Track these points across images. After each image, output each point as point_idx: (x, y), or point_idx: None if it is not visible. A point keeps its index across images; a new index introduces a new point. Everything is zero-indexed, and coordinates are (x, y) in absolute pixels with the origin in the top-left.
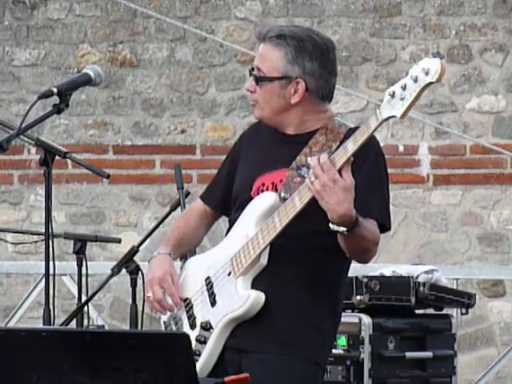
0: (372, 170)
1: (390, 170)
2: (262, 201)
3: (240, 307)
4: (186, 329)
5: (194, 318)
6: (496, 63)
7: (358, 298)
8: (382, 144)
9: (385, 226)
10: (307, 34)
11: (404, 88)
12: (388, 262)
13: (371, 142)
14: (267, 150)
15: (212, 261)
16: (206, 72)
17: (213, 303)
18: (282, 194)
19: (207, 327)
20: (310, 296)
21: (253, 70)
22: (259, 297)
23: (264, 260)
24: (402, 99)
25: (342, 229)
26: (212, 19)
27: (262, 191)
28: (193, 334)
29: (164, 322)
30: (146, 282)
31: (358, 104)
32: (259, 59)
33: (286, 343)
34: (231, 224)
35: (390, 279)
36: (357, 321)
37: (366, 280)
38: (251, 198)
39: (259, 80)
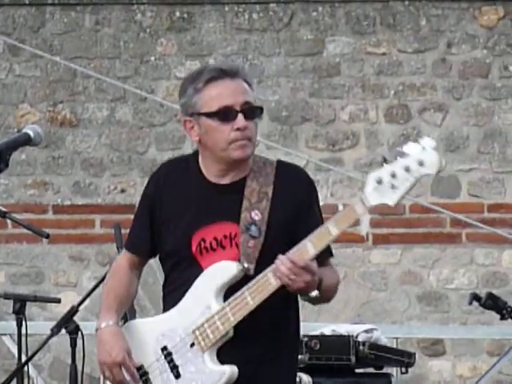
0: (315, 209)
1: None
2: (222, 271)
3: (215, 383)
4: None
5: None
6: (435, 123)
7: (299, 357)
8: (321, 203)
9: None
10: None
11: (394, 176)
12: (328, 321)
13: (303, 175)
14: (204, 200)
15: (165, 329)
16: (146, 131)
17: (177, 376)
18: (246, 265)
19: None
20: (279, 351)
21: (231, 108)
22: (234, 372)
23: (231, 332)
24: (394, 188)
25: (314, 294)
26: (152, 79)
27: (205, 248)
28: None
29: None
30: (102, 360)
31: (298, 163)
32: (242, 94)
33: None
34: (178, 286)
35: (330, 338)
36: (297, 380)
37: (306, 339)
38: (192, 256)
39: (255, 112)
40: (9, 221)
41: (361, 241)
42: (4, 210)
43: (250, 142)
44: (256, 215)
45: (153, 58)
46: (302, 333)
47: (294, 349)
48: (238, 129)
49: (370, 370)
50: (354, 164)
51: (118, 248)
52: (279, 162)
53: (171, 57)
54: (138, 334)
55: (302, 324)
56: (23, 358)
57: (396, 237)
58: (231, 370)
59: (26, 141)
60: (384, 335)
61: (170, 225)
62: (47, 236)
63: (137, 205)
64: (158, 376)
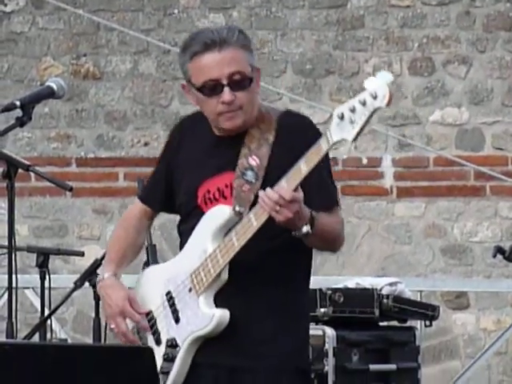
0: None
1: (353, 182)
2: (217, 215)
3: (205, 326)
4: (151, 344)
5: (159, 334)
6: (459, 75)
7: (322, 310)
8: (345, 156)
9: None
10: (238, 28)
11: (353, 111)
12: (352, 274)
13: (307, 124)
14: (208, 151)
15: (171, 274)
16: (169, 85)
17: (176, 320)
18: (237, 208)
19: (173, 345)
20: (276, 302)
21: (217, 82)
22: (224, 315)
23: (225, 275)
24: (352, 123)
25: (304, 229)
26: (175, 32)
27: (209, 199)
28: (158, 350)
29: None
30: (105, 315)
31: (322, 116)
32: (229, 65)
33: (264, 356)
34: (185, 234)
35: (354, 291)
36: (320, 333)
37: (329, 292)
38: (198, 206)
39: (244, 82)
40: (32, 174)
41: (385, 194)
42: (27, 163)
43: (241, 111)
44: (253, 160)
45: (176, 11)
46: (325, 286)
47: (299, 302)
48: (223, 102)
49: (394, 323)
50: (377, 117)
51: None
52: (285, 111)
53: (194, 9)
54: (150, 280)
55: (325, 277)
56: (46, 312)
57: (420, 190)
58: (221, 313)
59: (49, 94)
60: (408, 288)
61: (181, 178)
62: (70, 189)
63: None
64: (163, 320)
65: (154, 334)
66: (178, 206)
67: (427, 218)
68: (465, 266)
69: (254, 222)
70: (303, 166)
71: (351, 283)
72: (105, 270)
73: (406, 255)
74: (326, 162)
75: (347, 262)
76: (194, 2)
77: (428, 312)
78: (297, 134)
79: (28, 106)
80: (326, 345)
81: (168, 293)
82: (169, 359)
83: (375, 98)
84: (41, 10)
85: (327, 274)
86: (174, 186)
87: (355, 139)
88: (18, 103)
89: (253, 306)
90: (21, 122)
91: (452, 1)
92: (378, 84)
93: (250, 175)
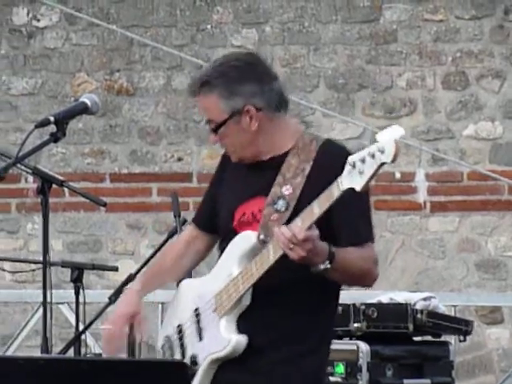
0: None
1: (386, 197)
2: (244, 240)
3: (221, 350)
4: (178, 356)
5: (185, 348)
6: (493, 90)
7: (356, 325)
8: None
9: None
10: (226, 66)
11: (363, 161)
12: (386, 289)
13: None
14: (246, 176)
15: (201, 291)
16: None
17: (200, 338)
18: (261, 237)
19: (194, 362)
20: (298, 328)
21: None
22: (240, 342)
23: (246, 301)
24: (361, 173)
25: (322, 266)
26: (208, 47)
27: (243, 222)
28: None
29: (162, 346)
30: (113, 316)
31: (355, 131)
32: (205, 112)
33: (282, 379)
34: (220, 254)
35: (388, 306)
36: (354, 348)
37: (363, 307)
38: (234, 229)
39: (215, 130)
40: (66, 189)
41: (418, 208)
42: (61, 178)
43: (233, 148)
44: (287, 190)
45: (209, 26)
46: (359, 301)
47: (322, 327)
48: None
49: (428, 338)
50: (411, 131)
51: (174, 216)
52: (326, 140)
53: (227, 25)
54: (184, 293)
55: (359, 292)
56: (81, 327)
57: (454, 204)
58: (238, 339)
59: (82, 110)
60: (442, 303)
61: (222, 201)
62: (104, 204)
63: (194, 173)
64: (190, 335)
65: (181, 346)
66: (218, 228)
67: (461, 233)
68: (499, 281)
69: (271, 255)
70: (315, 209)
71: (385, 298)
72: (134, 282)
73: (440, 270)
74: (357, 198)
75: (381, 277)
76: (227, 18)
77: (462, 327)
78: (331, 167)
79: (62, 121)
80: (360, 360)
81: (196, 309)
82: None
83: (383, 152)
84: (74, 25)
85: (361, 289)
86: (217, 209)
87: (363, 189)
88: (52, 119)
89: (274, 331)
90: (55, 138)
91: (485, 15)
92: (387, 139)
93: (280, 204)
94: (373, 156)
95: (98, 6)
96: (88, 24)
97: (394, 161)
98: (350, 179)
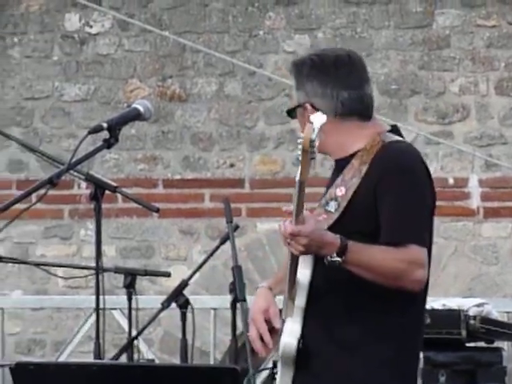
0: (391, 195)
1: (439, 203)
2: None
3: (277, 352)
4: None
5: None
6: None
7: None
8: (432, 176)
9: (423, 242)
10: (309, 57)
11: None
12: (438, 295)
13: (393, 158)
14: (332, 175)
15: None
16: (254, 106)
17: (278, 341)
18: None
19: (274, 365)
20: (356, 331)
21: None
22: (289, 344)
23: (300, 302)
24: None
25: (333, 258)
26: (260, 53)
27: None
28: None
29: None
30: (251, 314)
31: (407, 136)
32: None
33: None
34: None
35: (441, 312)
36: None
37: None
38: None
39: (293, 114)
40: (119, 195)
41: (471, 214)
42: (114, 184)
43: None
44: (340, 191)
45: (261, 32)
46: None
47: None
48: None
49: (481, 344)
50: (464, 137)
51: (227, 222)
52: (389, 143)
53: (280, 30)
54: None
55: None
56: (133, 332)
57: (507, 210)
58: (285, 341)
59: (135, 116)
60: (495, 309)
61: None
62: (157, 210)
63: (246, 179)
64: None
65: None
66: None
67: None
68: None
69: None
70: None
71: (438, 304)
72: (265, 281)
73: (493, 276)
74: (406, 194)
75: (433, 283)
76: (280, 23)
77: None
78: (382, 172)
79: (115, 127)
80: None
81: (280, 310)
82: (273, 378)
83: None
84: (127, 31)
85: None
86: None
87: (302, 179)
88: (104, 125)
89: (330, 334)
90: (108, 144)
91: None
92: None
93: (331, 205)
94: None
95: (151, 12)
96: (140, 30)
97: (303, 143)
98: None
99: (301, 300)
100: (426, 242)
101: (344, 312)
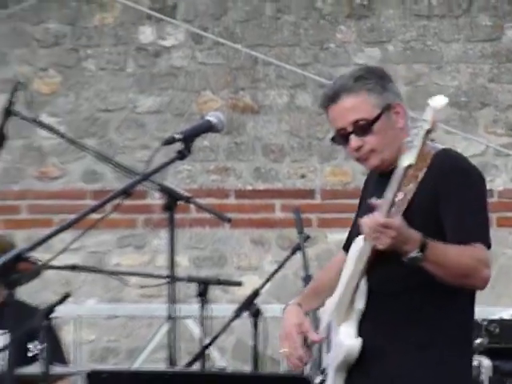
0: (454, 199)
1: (509, 214)
2: (357, 245)
3: (338, 356)
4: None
5: (322, 361)
6: None
7: (478, 341)
8: (501, 188)
9: (486, 243)
10: (369, 69)
11: (416, 135)
12: (508, 305)
13: (452, 162)
14: (375, 185)
15: (334, 302)
16: (325, 118)
17: (328, 349)
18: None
19: (324, 373)
20: (415, 338)
21: (344, 132)
22: (352, 346)
23: (359, 305)
24: (412, 147)
25: (413, 254)
26: (331, 66)
27: None
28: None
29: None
30: (283, 331)
31: (477, 148)
32: (349, 114)
33: None
34: None
35: (510, 322)
36: (476, 364)
37: (485, 323)
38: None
39: (368, 127)
40: (192, 205)
41: None
42: (187, 195)
43: (375, 152)
44: (397, 197)
45: (332, 45)
46: (480, 317)
47: (448, 336)
48: (351, 149)
49: None
50: None
51: (298, 233)
52: (443, 150)
53: (351, 44)
54: (326, 308)
55: (481, 308)
56: (206, 340)
57: None
58: (349, 343)
59: (208, 128)
60: None
61: (360, 213)
62: (229, 220)
63: (317, 189)
64: (324, 349)
65: (320, 364)
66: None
67: None
68: None
69: (366, 250)
70: (388, 194)
71: (507, 314)
72: (295, 298)
73: None
74: (467, 198)
75: (503, 293)
76: (350, 37)
77: None
78: (441, 175)
79: (188, 139)
80: (482, 375)
81: (329, 322)
82: None
83: (425, 121)
84: (200, 44)
85: (482, 305)
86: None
87: (416, 161)
88: (178, 137)
89: (389, 337)
90: (181, 155)
91: None
92: (427, 108)
93: (395, 209)
94: (420, 127)
95: (224, 25)
96: (213, 43)
97: (433, 127)
98: (407, 156)
99: (360, 303)
100: (490, 242)
101: (406, 314)
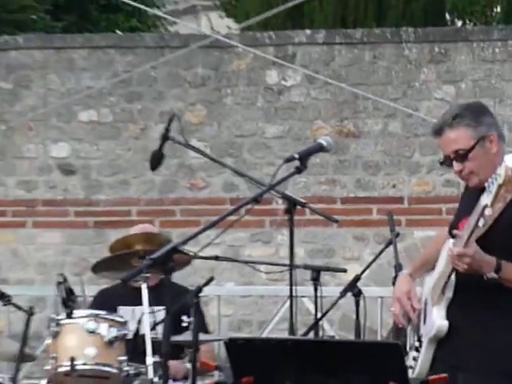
0: None
1: None
2: (447, 245)
3: (430, 332)
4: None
5: (419, 329)
6: None
7: None
8: None
9: None
10: (466, 106)
11: (492, 183)
12: None
13: None
14: (469, 196)
15: (430, 284)
16: (411, 140)
17: (424, 321)
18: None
19: (420, 340)
20: (493, 323)
21: (449, 158)
22: (441, 326)
23: (449, 294)
24: (490, 192)
25: (489, 275)
26: (416, 100)
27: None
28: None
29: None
30: (394, 296)
31: None
32: (452, 144)
33: (474, 359)
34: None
35: None
36: None
37: None
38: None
39: (465, 155)
40: (307, 209)
41: None
42: (303, 201)
43: (473, 174)
44: (488, 212)
45: (417, 84)
46: None
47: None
48: (455, 172)
49: None
50: None
51: (390, 231)
52: None
53: (431, 82)
54: (425, 285)
55: None
56: (319, 315)
57: None
58: (439, 324)
59: (320, 148)
60: None
61: (457, 211)
62: (336, 221)
63: (405, 197)
64: (422, 319)
65: (418, 326)
66: None
67: None
68: None
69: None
70: (469, 227)
71: None
72: (407, 268)
73: None
74: None
75: None
76: (431, 76)
77: None
78: None
79: (304, 158)
80: None
81: (426, 299)
82: (418, 350)
83: (500, 176)
84: (313, 84)
85: None
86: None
87: (492, 205)
88: (296, 156)
89: (471, 320)
90: (299, 170)
91: None
92: (503, 164)
93: (480, 221)
94: (496, 178)
95: (332, 69)
96: (324, 83)
97: (505, 183)
98: (487, 196)
99: (449, 292)
100: None
101: (485, 302)
